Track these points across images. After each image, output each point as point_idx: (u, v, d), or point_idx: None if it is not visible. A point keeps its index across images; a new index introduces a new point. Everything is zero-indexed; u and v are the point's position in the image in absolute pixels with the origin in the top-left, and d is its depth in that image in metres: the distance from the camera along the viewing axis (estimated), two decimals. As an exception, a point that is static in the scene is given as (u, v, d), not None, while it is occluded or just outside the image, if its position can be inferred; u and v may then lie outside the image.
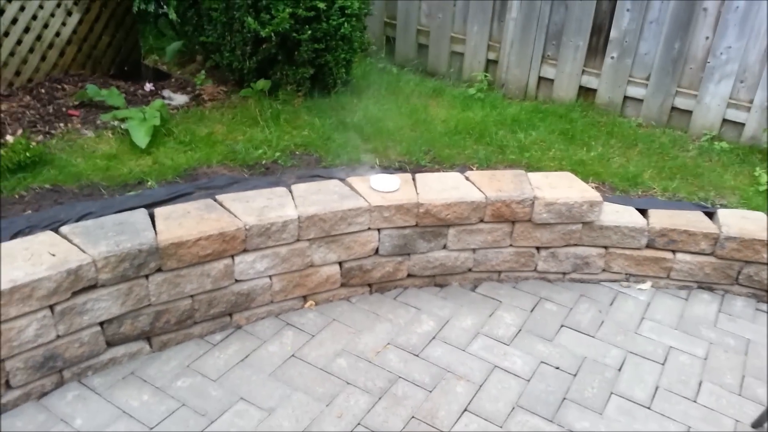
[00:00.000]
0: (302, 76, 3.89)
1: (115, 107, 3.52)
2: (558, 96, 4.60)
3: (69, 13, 3.77)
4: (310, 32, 3.68)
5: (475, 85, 4.58)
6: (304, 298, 2.98)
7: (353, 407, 2.45)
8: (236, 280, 2.74)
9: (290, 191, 2.93)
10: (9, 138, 2.96)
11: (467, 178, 3.17)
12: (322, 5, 3.65)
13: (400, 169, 3.36)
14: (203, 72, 4.07)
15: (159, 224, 2.57)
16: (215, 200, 2.81)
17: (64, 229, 2.50)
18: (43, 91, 3.65)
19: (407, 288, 3.14)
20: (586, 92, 4.54)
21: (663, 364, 2.77)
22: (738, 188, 3.54)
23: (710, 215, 3.26)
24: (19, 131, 3.15)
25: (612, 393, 2.61)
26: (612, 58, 4.35)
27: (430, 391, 2.55)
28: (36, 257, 2.30)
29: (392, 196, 2.95)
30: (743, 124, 4.06)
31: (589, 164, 3.62)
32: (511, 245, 3.16)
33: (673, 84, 4.20)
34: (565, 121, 4.20)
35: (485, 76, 4.66)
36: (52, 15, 3.70)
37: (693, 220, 3.19)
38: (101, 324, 2.45)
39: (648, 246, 3.18)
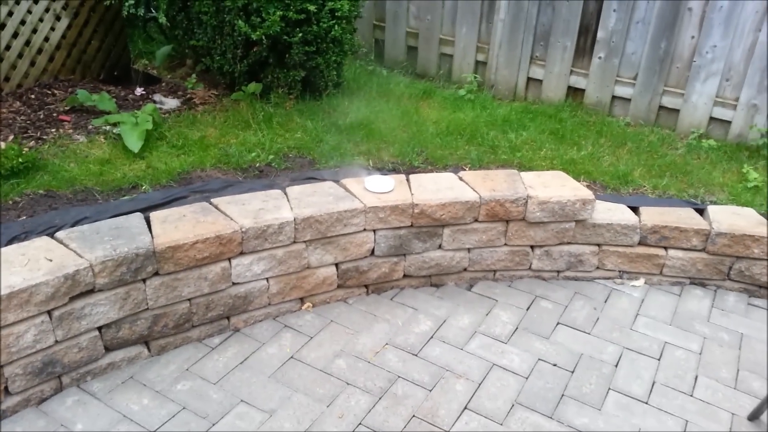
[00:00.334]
0: (293, 79, 3.89)
1: (107, 112, 3.51)
2: (547, 96, 4.64)
3: (58, 18, 3.75)
4: (300, 35, 3.69)
5: (465, 87, 4.61)
6: (302, 300, 2.98)
7: (354, 407, 2.46)
8: (233, 283, 2.74)
9: (285, 193, 2.93)
10: (1, 144, 2.94)
11: (461, 179, 3.19)
12: (312, 8, 3.66)
13: (394, 170, 3.37)
14: (194, 76, 4.07)
15: (155, 228, 2.57)
16: (210, 203, 2.81)
17: (60, 234, 2.48)
18: (33, 96, 3.63)
19: (403, 288, 3.16)
20: (574, 92, 4.58)
21: (659, 360, 2.80)
22: (726, 185, 3.59)
23: (700, 212, 3.31)
24: (11, 137, 3.12)
25: (610, 389, 2.63)
26: (599, 58, 4.40)
27: (430, 390, 2.56)
28: (33, 262, 2.28)
29: (387, 197, 2.96)
30: (730, 122, 4.12)
31: (579, 163, 3.66)
32: (505, 244, 3.18)
33: (660, 83, 4.25)
34: (554, 121, 4.24)
35: (475, 77, 4.69)
36: (41, 20, 3.68)
37: (684, 217, 3.23)
38: (99, 329, 2.44)
39: (640, 243, 3.22)
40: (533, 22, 4.50)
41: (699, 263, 3.24)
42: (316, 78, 4.02)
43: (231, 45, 3.79)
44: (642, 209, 3.25)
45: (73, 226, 2.57)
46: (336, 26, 3.83)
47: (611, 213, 3.21)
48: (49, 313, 2.28)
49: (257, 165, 3.29)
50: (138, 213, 2.68)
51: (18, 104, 3.51)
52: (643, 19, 4.17)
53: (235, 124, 3.63)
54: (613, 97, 4.45)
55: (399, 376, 2.62)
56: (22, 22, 3.59)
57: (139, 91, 3.90)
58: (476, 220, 3.08)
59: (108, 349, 2.50)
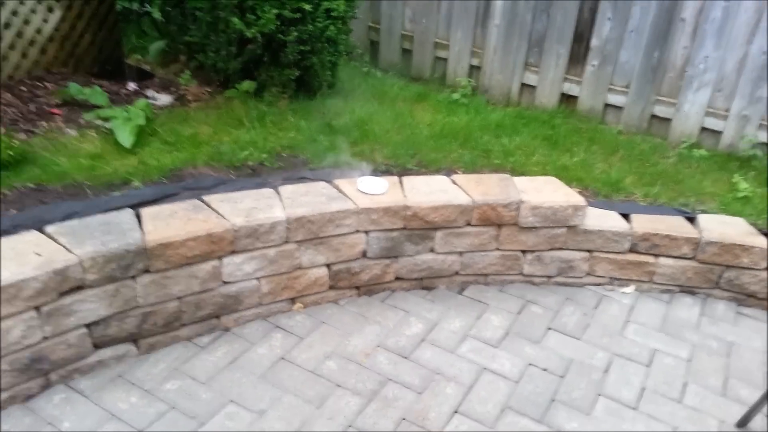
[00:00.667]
0: (288, 78, 3.87)
1: (98, 106, 3.46)
2: (540, 102, 4.66)
3: (50, 10, 3.71)
4: (296, 34, 3.67)
5: (459, 91, 4.61)
6: (293, 300, 2.96)
7: (344, 409, 2.44)
8: (224, 282, 2.71)
9: (278, 192, 2.91)
10: (-10, 136, 2.89)
11: (454, 182, 3.19)
12: (308, 7, 3.64)
13: (387, 172, 3.36)
14: (187, 72, 4.03)
15: (146, 225, 2.54)
16: (202, 201, 2.79)
17: (49, 228, 2.45)
18: (24, 89, 3.58)
19: (395, 291, 3.15)
20: (567, 99, 4.60)
21: (648, 366, 2.82)
22: (717, 194, 3.62)
23: (691, 220, 3.33)
24: (2, 129, 3.08)
25: (599, 394, 2.64)
26: (593, 65, 4.42)
27: (420, 393, 2.56)
28: (22, 257, 2.25)
29: (380, 199, 2.95)
30: (721, 132, 4.15)
31: (572, 169, 3.67)
32: (497, 248, 3.18)
33: (652, 92, 4.28)
34: (547, 127, 4.25)
35: (469, 81, 4.69)
36: (33, 11, 3.63)
37: (674, 225, 3.25)
38: (88, 325, 2.40)
39: (631, 250, 3.23)
40: (528, 28, 4.52)
41: (689, 271, 3.26)
42: (311, 78, 4.00)
43: (225, 42, 3.76)
44: (633, 217, 3.27)
45: (62, 220, 2.52)
46: (331, 26, 3.82)
47: (602, 220, 3.22)
48: (37, 308, 2.24)
49: (250, 163, 3.27)
50: (129, 209, 2.65)
51: (9, 96, 3.45)
52: (637, 28, 4.20)
53: (228, 122, 3.60)
54: (606, 105, 4.47)
55: (389, 379, 2.61)
56: (14, 13, 3.54)
57: (131, 86, 3.86)
58: (469, 224, 3.07)
59: (96, 346, 2.47)
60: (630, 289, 3.31)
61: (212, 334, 2.75)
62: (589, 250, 3.24)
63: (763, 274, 3.18)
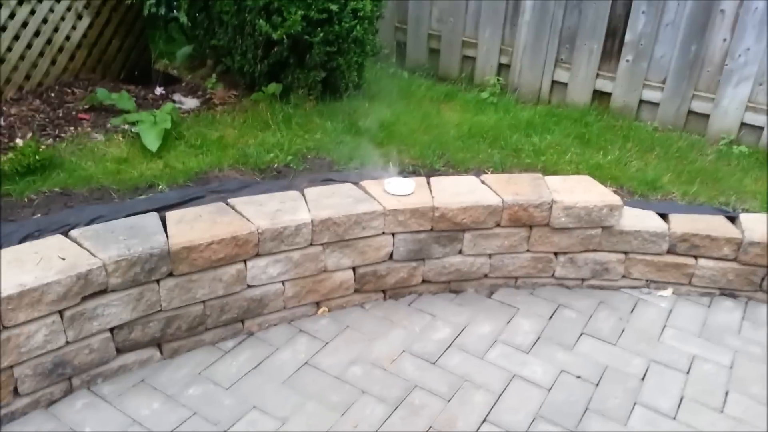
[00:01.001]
0: (314, 80, 3.84)
1: (126, 111, 3.48)
2: (572, 100, 4.54)
3: (79, 17, 3.75)
4: (322, 35, 3.64)
5: (488, 89, 4.53)
6: (317, 304, 2.91)
7: (369, 417, 2.38)
8: (248, 286, 2.68)
9: (303, 195, 2.87)
10: (19, 141, 2.92)
11: (483, 182, 3.10)
12: (334, 7, 3.61)
13: (414, 173, 3.30)
14: (214, 76, 4.03)
15: (170, 228, 2.52)
16: (227, 204, 2.76)
17: (74, 232, 2.44)
18: (53, 95, 3.62)
19: (422, 294, 3.08)
20: (600, 96, 4.48)
21: (687, 374, 2.69)
22: (759, 192, 3.46)
23: (732, 220, 3.18)
24: (29, 135, 3.11)
25: (636, 403, 2.53)
26: (627, 61, 4.29)
27: (448, 401, 2.48)
28: (45, 261, 2.24)
29: (407, 200, 2.89)
30: (762, 128, 3.98)
31: (606, 168, 3.55)
32: (528, 250, 3.09)
33: (689, 87, 4.13)
34: (579, 125, 4.13)
35: (498, 80, 4.60)
36: (63, 19, 3.67)
37: (715, 225, 3.11)
38: (111, 330, 2.39)
39: (669, 251, 3.10)
40: (559, 24, 4.41)
41: (730, 273, 3.12)
42: (337, 79, 3.96)
43: (251, 45, 3.75)
44: (671, 216, 3.14)
45: (87, 224, 2.53)
46: (358, 26, 3.77)
47: (639, 220, 3.10)
48: (60, 313, 2.24)
49: (275, 166, 3.24)
50: (154, 212, 2.64)
51: (38, 102, 3.50)
52: (672, 21, 4.06)
53: (254, 125, 3.58)
54: (641, 101, 4.34)
55: (416, 385, 2.54)
56: (44, 21, 3.58)
57: (158, 90, 3.87)
58: (498, 225, 2.99)
59: (119, 351, 2.45)
60: (668, 292, 3.18)
61: (236, 339, 2.72)
62: (625, 252, 3.13)
63: (811, 276, 3.03)
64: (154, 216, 2.61)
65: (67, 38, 3.74)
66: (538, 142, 3.78)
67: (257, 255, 2.64)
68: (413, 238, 2.92)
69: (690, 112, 4.20)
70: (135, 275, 2.36)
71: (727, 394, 2.60)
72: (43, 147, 2.95)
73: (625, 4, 4.18)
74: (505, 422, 2.40)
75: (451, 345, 2.77)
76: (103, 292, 2.32)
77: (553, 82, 4.60)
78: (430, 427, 2.36)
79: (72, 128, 3.32)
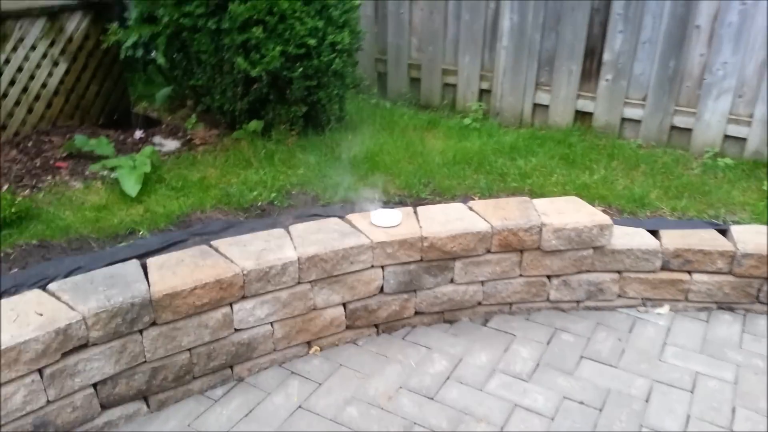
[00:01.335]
0: (295, 115, 3.82)
1: (104, 156, 3.43)
2: (554, 121, 4.54)
3: (55, 64, 3.71)
4: (301, 69, 3.62)
5: (470, 115, 4.52)
6: (309, 343, 2.83)
7: (368, 459, 2.30)
8: (236, 330, 2.60)
9: (288, 232, 2.81)
10: (-6, 194, 2.85)
11: (471, 208, 3.06)
12: (312, 42, 3.60)
13: (401, 203, 3.25)
14: (194, 116, 4.00)
15: (152, 275, 2.44)
16: (210, 246, 2.69)
17: (52, 286, 2.36)
18: (30, 144, 3.57)
19: (415, 326, 3.01)
20: (582, 116, 4.48)
21: (692, 392, 2.62)
22: (748, 203, 3.44)
23: (723, 232, 3.15)
24: (5, 187, 3.04)
25: (642, 425, 2.45)
26: (607, 80, 4.30)
27: (449, 437, 2.40)
28: (22, 318, 2.16)
29: (394, 231, 2.83)
30: (745, 139, 3.98)
31: (593, 187, 3.53)
32: (521, 275, 3.03)
33: (670, 103, 4.14)
34: (563, 145, 4.12)
35: (479, 105, 4.60)
36: (38, 66, 3.63)
37: (707, 239, 3.07)
38: (94, 385, 2.30)
39: (663, 268, 3.06)
40: (537, 47, 4.43)
41: (726, 286, 3.07)
42: (318, 112, 3.94)
43: (231, 83, 3.72)
44: (662, 232, 3.11)
45: (66, 276, 2.45)
46: (337, 59, 3.76)
47: (630, 238, 3.06)
48: (39, 371, 2.14)
49: (259, 204, 3.19)
50: (134, 260, 2.56)
51: (14, 152, 3.44)
52: (649, 39, 4.08)
53: (236, 163, 3.54)
54: (623, 119, 4.33)
55: (415, 423, 2.45)
56: (19, 69, 3.54)
57: (138, 134, 3.83)
58: (489, 251, 2.94)
59: (104, 406, 2.35)
60: (664, 309, 3.12)
61: (225, 386, 2.63)
62: (618, 271, 3.08)
63: (807, 285, 2.99)
64: (134, 263, 2.53)
65: (44, 86, 3.70)
66: (524, 165, 3.76)
67: (243, 297, 2.57)
68: (403, 269, 2.86)
69: (672, 128, 4.19)
70: (116, 327, 2.27)
71: (734, 410, 2.53)
72: (19, 198, 2.88)
73: (602, 23, 4.20)
74: (509, 456, 2.32)
75: (448, 378, 2.69)
76: (84, 346, 2.24)
77: (535, 105, 4.60)
78: (432, 467, 2.27)
79: (50, 177, 3.26)
